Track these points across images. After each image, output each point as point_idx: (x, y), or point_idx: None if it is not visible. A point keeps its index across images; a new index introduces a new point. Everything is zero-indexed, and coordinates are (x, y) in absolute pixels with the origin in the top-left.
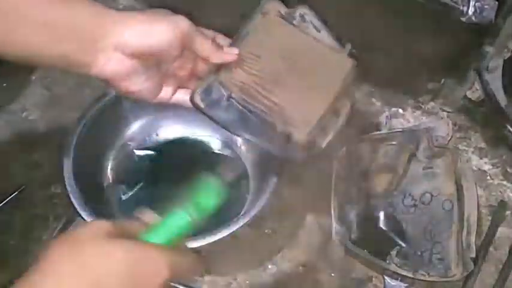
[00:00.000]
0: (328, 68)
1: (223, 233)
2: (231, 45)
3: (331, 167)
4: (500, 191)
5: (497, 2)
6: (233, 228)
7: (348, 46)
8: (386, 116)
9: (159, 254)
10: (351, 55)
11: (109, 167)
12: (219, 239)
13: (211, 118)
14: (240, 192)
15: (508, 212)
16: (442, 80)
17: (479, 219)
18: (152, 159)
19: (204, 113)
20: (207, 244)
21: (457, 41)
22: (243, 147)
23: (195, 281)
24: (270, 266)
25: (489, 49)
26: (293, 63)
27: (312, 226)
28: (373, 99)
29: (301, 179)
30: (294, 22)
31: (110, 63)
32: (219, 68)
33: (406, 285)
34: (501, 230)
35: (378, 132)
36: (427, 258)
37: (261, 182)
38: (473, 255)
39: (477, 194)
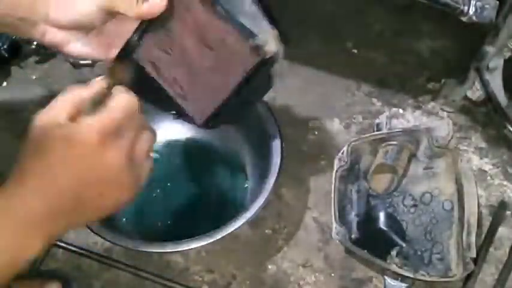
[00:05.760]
0: (233, 61)
1: (223, 233)
2: None
3: (331, 167)
4: (500, 191)
5: (498, 2)
6: (233, 228)
7: (259, 39)
8: (387, 116)
9: None
10: (255, 49)
11: None
12: (219, 239)
13: None
14: (239, 192)
15: (508, 212)
16: (442, 80)
17: (479, 219)
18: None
19: None
20: (207, 244)
21: (457, 41)
22: (243, 147)
23: (195, 281)
24: (270, 266)
25: (489, 49)
26: (202, 47)
27: (312, 226)
28: (373, 99)
29: (301, 179)
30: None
31: (46, 35)
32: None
33: (406, 285)
34: (501, 230)
35: (378, 132)
36: (427, 258)
37: (261, 182)
38: (474, 255)
39: (477, 194)
